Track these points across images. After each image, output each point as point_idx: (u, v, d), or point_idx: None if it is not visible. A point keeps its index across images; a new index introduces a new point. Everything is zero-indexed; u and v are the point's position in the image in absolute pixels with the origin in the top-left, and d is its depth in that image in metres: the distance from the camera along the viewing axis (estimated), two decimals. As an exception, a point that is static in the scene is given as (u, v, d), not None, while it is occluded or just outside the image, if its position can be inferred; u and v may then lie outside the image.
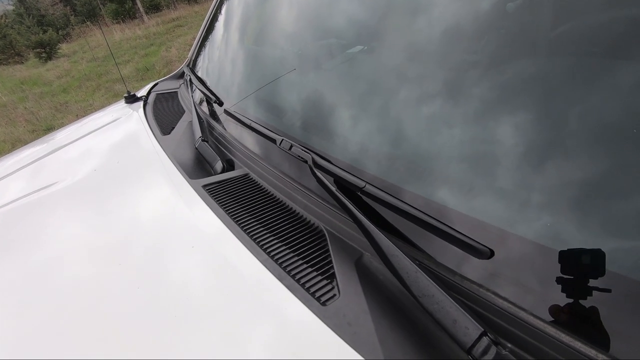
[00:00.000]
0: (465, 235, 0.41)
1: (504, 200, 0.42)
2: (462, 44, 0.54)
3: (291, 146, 0.64)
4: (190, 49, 1.40)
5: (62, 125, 5.01)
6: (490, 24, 0.53)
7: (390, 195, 0.48)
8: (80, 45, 12.40)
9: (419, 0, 0.63)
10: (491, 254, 0.39)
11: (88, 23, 16.04)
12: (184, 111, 1.13)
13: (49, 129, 5.04)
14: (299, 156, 0.62)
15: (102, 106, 5.16)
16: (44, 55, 10.88)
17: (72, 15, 18.43)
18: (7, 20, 14.57)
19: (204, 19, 1.35)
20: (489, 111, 0.47)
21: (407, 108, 0.57)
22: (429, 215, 0.44)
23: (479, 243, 0.40)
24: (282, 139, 0.67)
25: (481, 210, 0.42)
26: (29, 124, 5.42)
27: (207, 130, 0.92)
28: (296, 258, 0.51)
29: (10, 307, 0.53)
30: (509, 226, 0.40)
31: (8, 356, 0.45)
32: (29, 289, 0.56)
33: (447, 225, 0.42)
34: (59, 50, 11.28)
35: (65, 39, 14.72)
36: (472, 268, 0.40)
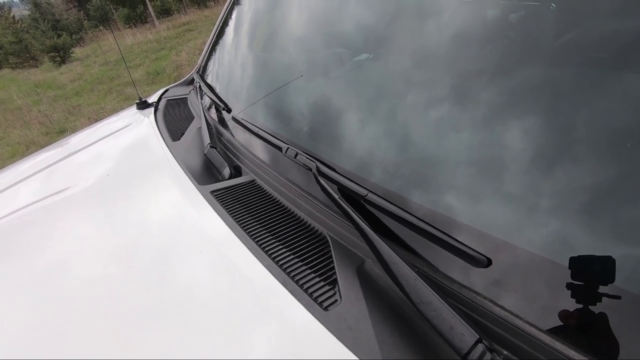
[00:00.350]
0: (463, 244, 0.42)
1: (502, 210, 0.43)
2: (465, 53, 0.55)
3: (296, 154, 0.66)
4: (199, 53, 1.43)
5: (74, 127, 5.12)
6: (493, 34, 0.54)
7: (392, 203, 0.50)
8: (93, 49, 12.66)
9: (423, 10, 0.65)
10: (488, 262, 0.40)
11: (101, 27, 16.36)
12: (194, 117, 1.16)
13: (62, 131, 5.15)
14: (303, 164, 0.64)
15: (113, 109, 5.27)
16: (58, 59, 11.13)
17: (85, 19, 18.82)
18: (23, 25, 14.94)
19: (213, 24, 1.38)
20: (489, 121, 0.48)
21: (409, 117, 0.59)
22: (428, 224, 0.45)
23: (476, 252, 0.41)
24: (288, 147, 0.69)
25: (479, 219, 0.43)
26: (42, 127, 5.55)
27: (216, 137, 0.95)
28: (300, 264, 0.53)
29: (23, 307, 0.56)
30: (506, 236, 0.41)
31: (19, 355, 0.48)
32: (41, 289, 0.58)
33: (445, 234, 0.44)
34: (72, 54, 11.53)
35: (79, 43, 15.03)
36: (469, 276, 0.42)
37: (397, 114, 0.61)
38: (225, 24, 1.31)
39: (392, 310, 0.44)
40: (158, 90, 1.50)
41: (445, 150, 0.51)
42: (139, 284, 0.55)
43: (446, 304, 0.38)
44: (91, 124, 1.56)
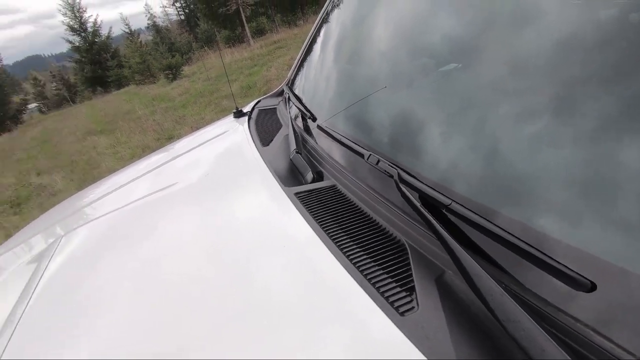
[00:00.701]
0: (562, 264, 0.38)
1: (614, 230, 0.38)
2: (573, 59, 0.50)
3: (378, 161, 0.67)
4: (287, 69, 1.54)
5: (179, 134, 5.86)
6: (608, 37, 0.48)
7: (478, 215, 0.47)
8: (198, 67, 14.42)
9: (518, 13, 0.60)
10: (592, 287, 0.36)
11: (205, 48, 18.61)
12: (282, 125, 1.25)
13: (170, 137, 5.95)
14: (385, 171, 0.64)
15: (211, 119, 5.90)
16: (170, 76, 12.95)
17: (194, 41, 21.65)
18: (147, 48, 17.78)
19: (301, 41, 1.48)
20: (599, 132, 0.43)
21: (501, 127, 0.55)
22: (520, 240, 0.42)
23: (577, 273, 0.37)
24: (370, 154, 0.70)
25: (582, 238, 0.39)
26: (155, 133, 6.48)
27: (301, 143, 1.01)
28: (377, 268, 0.53)
29: (126, 295, 0.64)
30: (618, 259, 0.36)
31: (109, 343, 0.54)
32: (143, 278, 0.67)
33: (541, 252, 0.40)
34: (182, 72, 13.31)
35: (187, 62, 17.29)
36: (567, 300, 0.38)
37: (491, 125, 0.58)
38: (314, 40, 1.39)
39: (473, 324, 0.42)
40: (249, 102, 1.66)
41: (542, 162, 0.47)
42: (227, 280, 0.60)
43: (537, 325, 0.35)
44: (192, 131, 1.78)
